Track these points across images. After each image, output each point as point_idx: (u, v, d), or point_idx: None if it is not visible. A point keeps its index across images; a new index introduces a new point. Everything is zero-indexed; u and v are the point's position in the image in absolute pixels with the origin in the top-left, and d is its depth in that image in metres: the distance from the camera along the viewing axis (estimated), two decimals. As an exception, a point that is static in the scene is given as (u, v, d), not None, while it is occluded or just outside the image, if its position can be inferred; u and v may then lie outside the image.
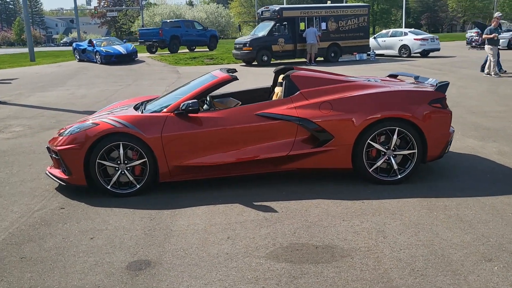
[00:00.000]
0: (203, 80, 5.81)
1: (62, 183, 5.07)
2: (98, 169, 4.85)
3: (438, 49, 24.45)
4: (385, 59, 23.35)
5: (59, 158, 4.95)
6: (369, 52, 23.31)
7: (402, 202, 4.55)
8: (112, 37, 27.10)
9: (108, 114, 5.49)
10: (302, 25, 21.38)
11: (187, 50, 29.39)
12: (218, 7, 70.11)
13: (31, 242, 3.93)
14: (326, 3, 28.79)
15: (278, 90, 5.90)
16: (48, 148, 5.36)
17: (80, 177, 4.90)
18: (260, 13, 22.38)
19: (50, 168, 5.30)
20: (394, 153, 4.99)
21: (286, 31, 21.22)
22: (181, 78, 17.18)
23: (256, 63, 21.30)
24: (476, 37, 30.86)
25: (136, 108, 5.67)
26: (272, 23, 21.06)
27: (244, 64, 22.13)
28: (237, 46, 21.44)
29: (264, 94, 6.35)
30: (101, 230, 4.13)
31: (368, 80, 5.55)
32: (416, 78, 5.94)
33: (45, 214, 4.55)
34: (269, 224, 4.12)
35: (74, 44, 26.36)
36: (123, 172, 4.89)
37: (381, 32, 26.63)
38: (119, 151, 4.84)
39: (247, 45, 20.74)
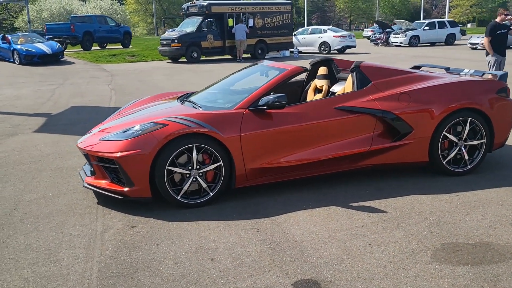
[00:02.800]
0: (255, 72, 5.28)
1: (118, 197, 4.24)
2: (167, 177, 4.13)
3: (354, 46, 25.60)
4: (307, 56, 23.83)
5: (117, 166, 4.12)
6: (292, 49, 23.65)
7: (499, 192, 4.48)
8: (32, 32, 23.31)
9: (156, 113, 4.74)
10: (230, 21, 21.00)
11: (98, 48, 27.37)
12: (112, 4, 66.66)
13: (140, 271, 3.18)
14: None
15: (322, 83, 5.55)
16: (86, 155, 4.46)
17: (144, 188, 4.13)
18: (185, 8, 21.54)
19: (93, 179, 4.41)
20: (465, 143, 4.93)
21: (215, 27, 20.68)
22: (115, 75, 15.93)
23: (185, 59, 20.49)
24: (379, 36, 32.96)
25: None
26: (200, 18, 20.39)
27: (170, 61, 21.20)
28: (164, 42, 20.42)
29: (297, 88, 5.95)
30: (214, 248, 3.48)
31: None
32: (447, 69, 5.97)
33: (120, 235, 3.75)
34: (394, 226, 3.79)
35: None
36: (194, 179, 4.22)
37: (300, 29, 27.17)
38: (191, 154, 4.16)
39: (176, 41, 19.85)
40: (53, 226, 3.96)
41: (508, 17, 9.56)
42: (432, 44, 31.41)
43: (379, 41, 31.96)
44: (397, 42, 30.58)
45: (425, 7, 60.93)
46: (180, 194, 4.20)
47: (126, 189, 4.14)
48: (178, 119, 4.20)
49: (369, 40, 37.08)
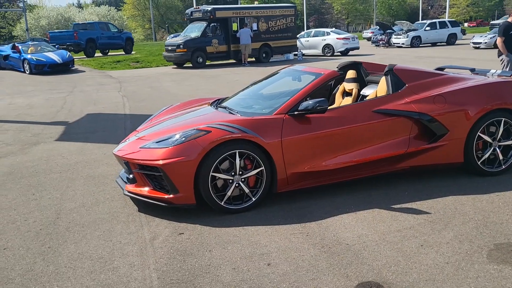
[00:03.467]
0: (284, 77, 5.31)
1: (162, 204, 4.25)
2: (211, 183, 4.15)
3: (358, 48, 25.68)
4: (311, 58, 23.92)
5: (161, 174, 4.13)
6: (296, 52, 23.71)
7: (533, 191, 4.52)
8: (41, 41, 22.88)
9: (193, 119, 4.77)
10: (234, 26, 21.07)
11: (100, 54, 27.39)
12: (110, 10, 66.79)
13: (199, 277, 3.20)
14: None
15: (352, 86, 5.59)
16: (126, 163, 4.48)
17: (189, 195, 4.15)
18: (189, 13, 21.59)
19: (134, 187, 4.42)
20: (499, 143, 4.96)
21: (219, 32, 20.74)
22: (123, 82, 15.95)
23: (190, 65, 20.54)
24: (380, 37, 33.07)
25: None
26: (205, 23, 20.44)
27: (175, 66, 21.24)
28: (169, 48, 20.46)
29: (325, 92, 5.98)
30: (267, 253, 3.50)
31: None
32: (472, 70, 6.02)
33: (170, 242, 3.76)
34: (441, 227, 3.81)
35: None
36: (237, 184, 4.24)
37: (303, 32, 27.23)
38: (234, 160, 4.18)
39: (181, 46, 19.89)
40: (100, 234, 3.97)
41: None
42: (434, 44, 31.57)
43: (380, 42, 32.07)
44: (399, 43, 30.72)
45: (422, 7, 61.26)
46: (224, 200, 4.22)
47: (170, 196, 4.16)
48: (221, 126, 4.22)
49: (369, 42, 37.24)
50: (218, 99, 5.61)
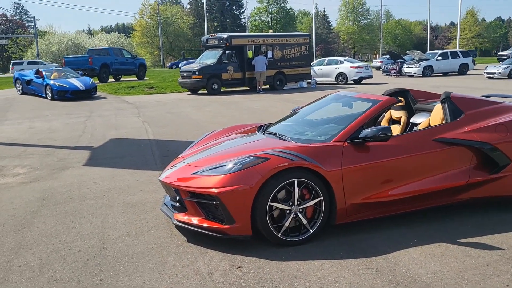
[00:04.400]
0: (330, 103, 5.22)
1: (215, 235, 4.02)
2: (269, 213, 3.93)
3: (371, 77, 25.70)
4: (325, 86, 23.89)
5: (217, 203, 3.92)
6: (309, 80, 23.71)
7: None
8: (65, 67, 22.36)
9: (245, 146, 4.59)
10: (250, 53, 21.12)
11: (113, 80, 27.49)
12: (119, 37, 67.71)
13: (273, 317, 2.95)
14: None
15: (400, 114, 5.42)
16: (176, 190, 4.27)
17: (245, 226, 3.92)
18: (205, 40, 21.70)
19: (184, 216, 4.20)
20: (561, 175, 4.73)
21: (235, 59, 20.78)
22: (140, 107, 15.87)
23: (205, 91, 20.53)
24: (391, 66, 33.17)
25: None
26: (221, 51, 20.51)
27: (190, 93, 21.23)
28: (185, 74, 20.48)
29: (343, 120, 5.76)
30: (340, 291, 3.25)
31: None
32: None
33: (230, 277, 3.52)
34: (520, 264, 3.56)
35: (16, 74, 21.69)
36: (295, 215, 4.01)
37: (316, 60, 27.32)
38: (292, 189, 3.97)
39: (197, 73, 19.90)
40: (153, 266, 3.73)
41: None
42: (445, 74, 31.60)
43: (392, 71, 32.13)
44: (411, 73, 30.76)
45: (430, 38, 61.78)
46: (281, 231, 3.98)
47: (225, 226, 3.93)
48: (280, 153, 4.02)
49: (379, 71, 37.37)
50: (263, 125, 5.44)
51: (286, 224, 3.99)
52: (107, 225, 4.72)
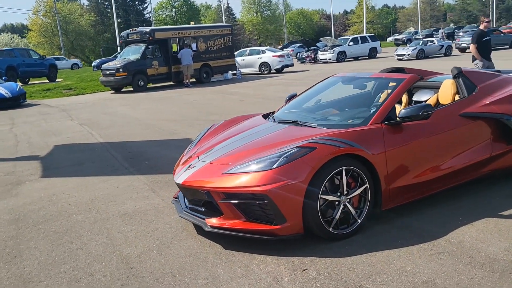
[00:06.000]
0: (332, 85, 5.02)
1: (265, 237, 3.60)
2: (320, 207, 3.60)
3: (292, 65, 26.01)
4: (250, 76, 23.75)
5: (265, 202, 3.50)
6: (235, 71, 23.45)
7: None
8: None
9: (270, 136, 4.19)
10: (174, 47, 20.35)
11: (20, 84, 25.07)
12: (13, 37, 62.58)
13: (384, 320, 2.65)
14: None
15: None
16: (208, 193, 3.77)
17: (297, 224, 3.55)
18: (125, 36, 20.50)
19: (220, 221, 3.72)
20: None
21: (159, 54, 19.90)
22: (68, 110, 14.59)
23: (129, 88, 19.44)
24: (306, 54, 33.91)
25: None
26: (144, 45, 19.51)
27: (113, 91, 19.99)
28: (108, 72, 19.21)
29: (365, 99, 5.64)
30: (431, 281, 3.02)
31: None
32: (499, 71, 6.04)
33: (301, 282, 3.15)
34: None
35: None
36: (343, 206, 3.73)
37: (238, 51, 27.04)
38: (340, 179, 3.67)
39: (121, 70, 18.76)
40: (207, 282, 3.25)
41: (484, 24, 10.00)
42: (356, 58, 32.91)
43: (307, 59, 32.81)
44: (325, 59, 31.62)
45: (326, 25, 64.34)
46: (332, 225, 3.68)
47: (276, 227, 3.54)
48: (325, 140, 3.70)
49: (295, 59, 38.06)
50: (266, 115, 5.08)
51: (337, 217, 3.69)
52: (116, 241, 4.10)
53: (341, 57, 31.54)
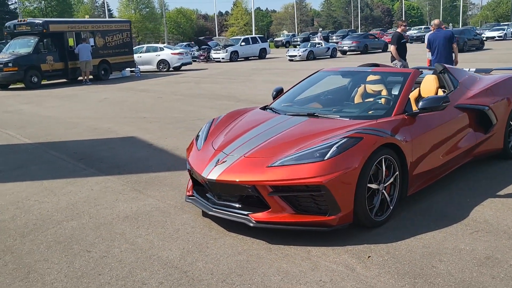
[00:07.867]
0: (320, 80, 5.16)
1: (321, 228, 3.58)
2: (366, 195, 3.69)
3: (191, 63, 25.74)
4: (149, 74, 23.00)
5: (321, 193, 3.48)
6: (133, 69, 22.54)
7: None
8: None
9: (292, 129, 4.17)
10: (71, 41, 18.89)
11: None
12: None
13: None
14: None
15: (379, 87, 5.61)
16: (253, 187, 3.63)
17: (349, 213, 3.60)
18: (12, 26, 18.48)
19: (268, 215, 3.61)
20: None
21: (54, 48, 18.32)
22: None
23: (21, 86, 17.63)
24: (198, 53, 33.80)
25: None
26: (36, 38, 17.79)
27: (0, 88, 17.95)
28: (-6, 67, 17.16)
29: (342, 94, 5.87)
30: (503, 261, 3.28)
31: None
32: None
33: (378, 267, 3.21)
34: None
35: None
36: (381, 194, 3.87)
37: (134, 48, 25.88)
38: (380, 167, 3.81)
39: (10, 64, 16.91)
40: (281, 278, 3.14)
41: (402, 27, 10.96)
42: (246, 58, 33.56)
43: (200, 57, 32.69)
44: (219, 58, 31.80)
45: (205, 25, 64.87)
46: (374, 212, 3.79)
47: (330, 217, 3.54)
48: (367, 130, 3.80)
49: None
50: (263, 108, 5.07)
51: (377, 205, 3.81)
52: (142, 246, 3.75)
53: (234, 57, 31.97)
